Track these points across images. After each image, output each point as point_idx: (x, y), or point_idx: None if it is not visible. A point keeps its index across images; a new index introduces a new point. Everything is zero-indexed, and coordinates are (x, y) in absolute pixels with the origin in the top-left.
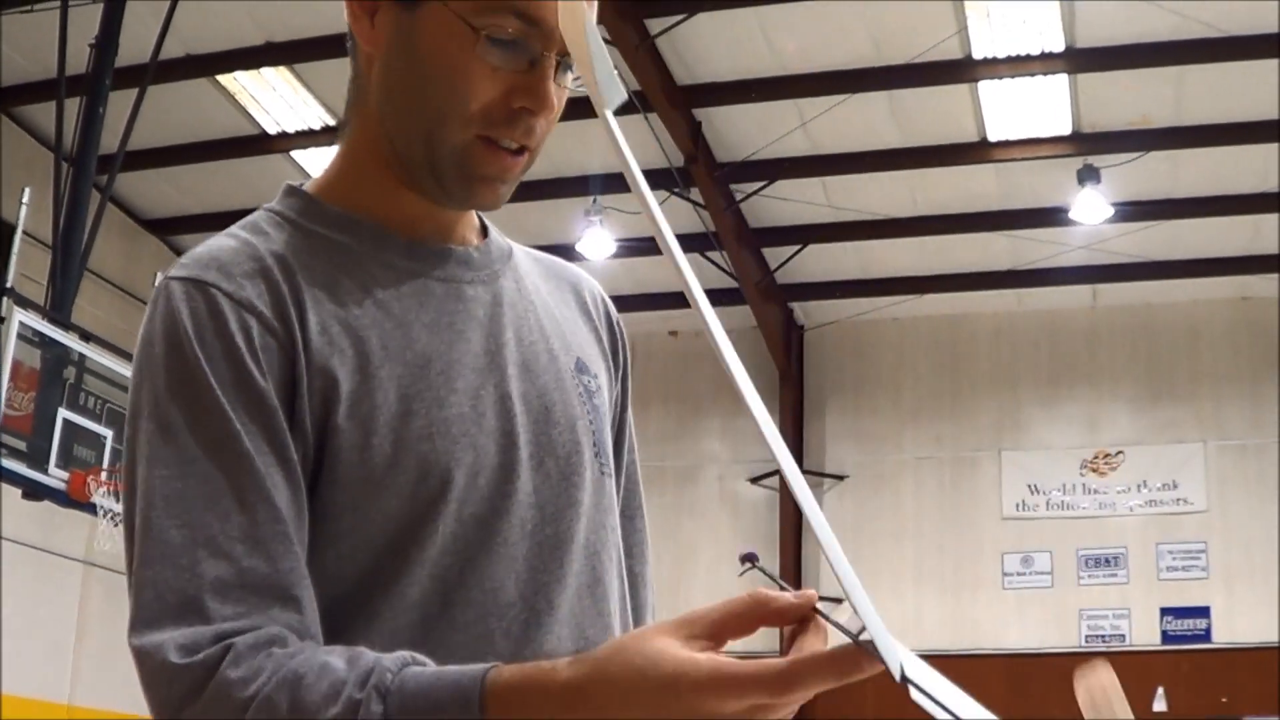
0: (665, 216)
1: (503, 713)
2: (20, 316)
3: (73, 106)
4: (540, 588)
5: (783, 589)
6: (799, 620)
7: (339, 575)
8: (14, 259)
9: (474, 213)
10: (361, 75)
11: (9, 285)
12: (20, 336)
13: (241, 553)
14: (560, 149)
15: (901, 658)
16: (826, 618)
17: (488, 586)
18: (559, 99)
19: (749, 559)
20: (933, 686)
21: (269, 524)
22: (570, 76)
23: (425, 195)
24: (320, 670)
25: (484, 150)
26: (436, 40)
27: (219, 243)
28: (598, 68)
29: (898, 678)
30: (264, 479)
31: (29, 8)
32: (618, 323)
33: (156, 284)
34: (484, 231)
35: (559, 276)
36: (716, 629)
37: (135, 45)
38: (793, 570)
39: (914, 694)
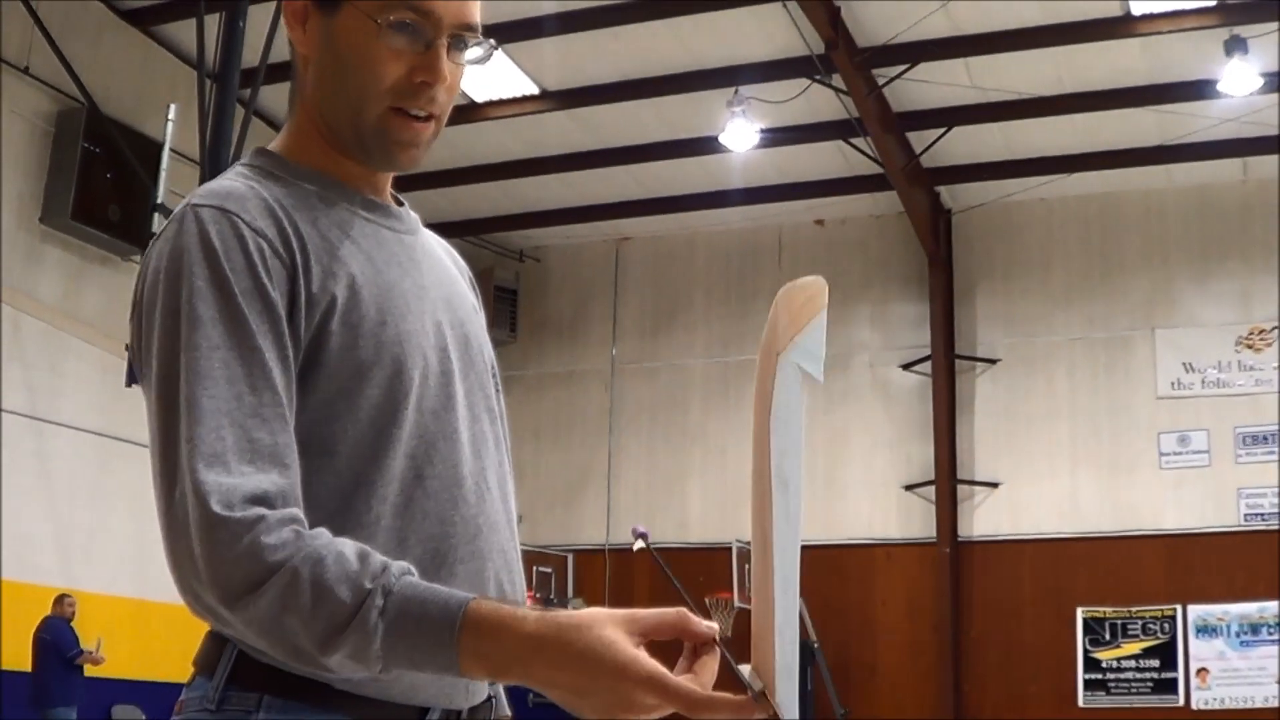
0: (807, 105)
1: (474, 640)
2: None
3: (212, 23)
4: (482, 469)
5: (663, 568)
6: (705, 643)
7: (339, 446)
8: (163, 175)
9: (389, 185)
10: (299, 72)
11: (159, 201)
12: None
13: (252, 425)
14: (701, 41)
15: None
16: (731, 664)
17: (449, 463)
18: (454, 74)
19: (641, 537)
20: None
21: (272, 406)
22: (464, 55)
23: (356, 162)
24: (338, 557)
25: (398, 119)
26: (351, 36)
27: (229, 183)
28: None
29: None
30: (270, 369)
31: None
32: (475, 284)
33: (179, 208)
34: (398, 202)
35: (441, 245)
36: (649, 631)
37: None
38: (947, 455)
39: None
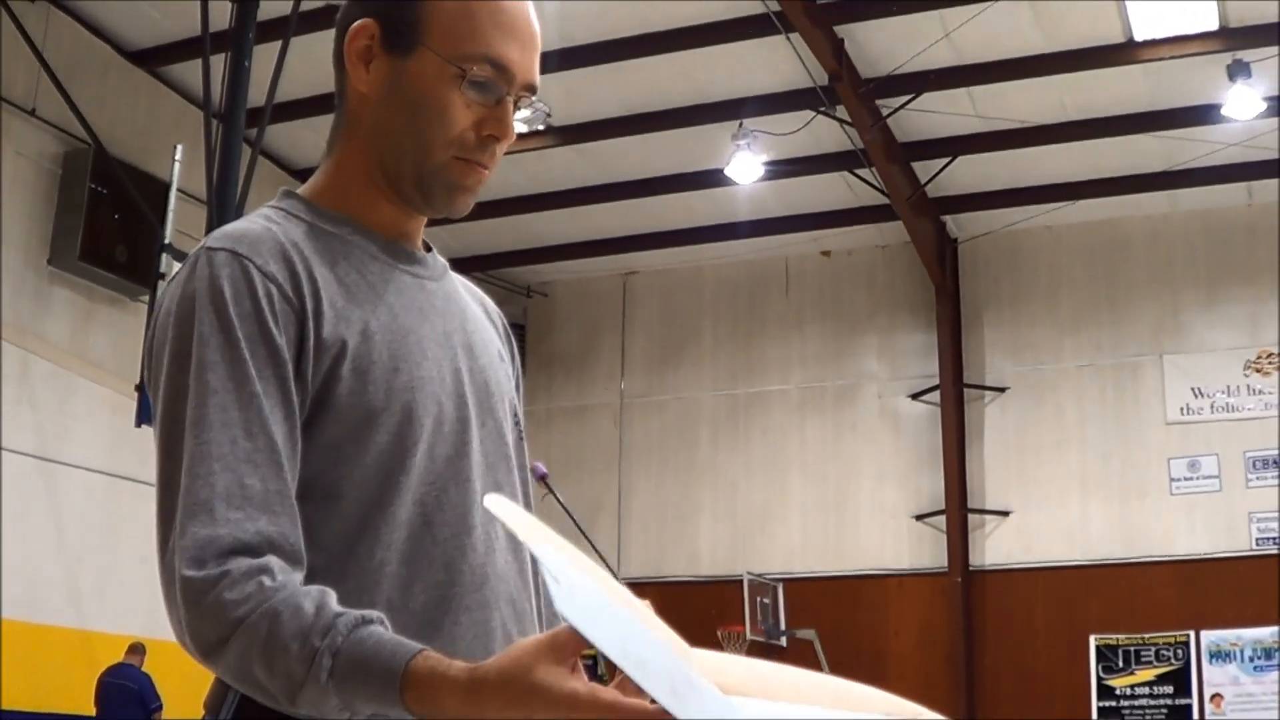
0: (812, 137)
1: (416, 701)
2: None
3: (218, 63)
4: (492, 517)
5: (567, 511)
6: None
7: (345, 490)
8: (170, 215)
9: (421, 231)
10: (352, 110)
11: (167, 241)
12: None
13: (245, 471)
14: (705, 74)
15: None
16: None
17: (459, 511)
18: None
19: (541, 479)
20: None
21: (266, 451)
22: (522, 111)
23: (407, 204)
24: (294, 612)
25: (461, 165)
26: (425, 82)
27: (246, 225)
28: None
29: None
30: (268, 415)
31: None
32: (509, 331)
33: (194, 250)
34: (427, 247)
35: (472, 292)
36: (575, 651)
37: None
38: (957, 484)
39: None
